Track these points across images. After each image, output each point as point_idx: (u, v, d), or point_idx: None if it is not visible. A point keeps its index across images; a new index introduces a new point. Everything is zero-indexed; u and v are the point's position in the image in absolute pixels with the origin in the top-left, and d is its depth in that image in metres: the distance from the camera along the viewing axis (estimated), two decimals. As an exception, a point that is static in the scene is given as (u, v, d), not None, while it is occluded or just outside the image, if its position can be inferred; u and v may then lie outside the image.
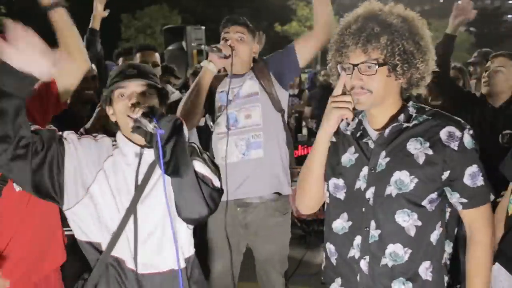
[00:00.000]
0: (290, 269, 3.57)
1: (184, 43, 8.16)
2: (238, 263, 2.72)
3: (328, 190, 1.73)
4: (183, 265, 1.74)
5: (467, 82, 3.90)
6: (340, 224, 1.69)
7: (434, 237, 1.60)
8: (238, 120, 2.57)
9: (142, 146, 1.71)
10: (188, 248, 1.82)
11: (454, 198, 1.59)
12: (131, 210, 1.69)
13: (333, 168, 1.71)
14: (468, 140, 1.56)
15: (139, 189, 1.70)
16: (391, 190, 1.58)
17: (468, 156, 1.56)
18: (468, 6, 2.87)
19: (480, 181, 1.57)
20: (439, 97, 3.38)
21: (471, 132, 1.58)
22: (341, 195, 1.69)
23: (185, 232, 1.79)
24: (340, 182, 1.69)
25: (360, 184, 1.64)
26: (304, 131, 8.41)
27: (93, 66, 2.81)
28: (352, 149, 1.68)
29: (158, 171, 1.69)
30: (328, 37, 2.52)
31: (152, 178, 1.71)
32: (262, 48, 2.75)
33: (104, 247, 1.73)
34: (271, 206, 2.66)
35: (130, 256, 1.71)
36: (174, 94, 3.60)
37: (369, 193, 1.62)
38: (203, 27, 8.68)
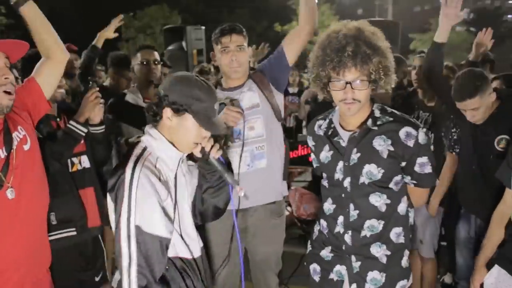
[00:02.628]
0: (290, 269, 3.57)
1: (184, 43, 8.16)
2: (240, 264, 2.74)
3: (321, 179, 2.17)
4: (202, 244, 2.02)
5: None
6: (327, 206, 2.13)
7: (401, 208, 2.04)
8: (241, 133, 2.59)
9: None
10: None
11: (407, 179, 2.04)
12: (175, 202, 1.85)
13: (320, 163, 2.14)
14: (422, 137, 1.94)
15: (176, 184, 1.87)
16: (364, 179, 1.98)
17: (420, 150, 1.95)
18: (459, 2, 2.65)
19: (428, 170, 1.99)
20: (434, 98, 3.39)
21: (424, 130, 1.96)
22: (325, 183, 2.15)
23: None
24: (325, 174, 2.14)
25: (338, 175, 2.04)
26: (304, 131, 8.42)
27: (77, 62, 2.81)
28: (326, 147, 2.08)
29: (183, 172, 1.92)
30: (313, 27, 2.55)
31: (179, 174, 1.89)
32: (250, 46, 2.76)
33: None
34: (269, 209, 2.70)
35: (186, 248, 1.89)
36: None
37: (346, 182, 2.02)
38: (203, 27, 8.68)
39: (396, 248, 2.04)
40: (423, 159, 1.98)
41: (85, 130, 2.59)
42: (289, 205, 5.09)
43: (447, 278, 3.93)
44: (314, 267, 2.19)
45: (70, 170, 2.67)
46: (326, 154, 2.09)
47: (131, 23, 29.67)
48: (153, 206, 1.70)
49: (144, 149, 1.80)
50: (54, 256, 2.19)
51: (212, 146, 1.83)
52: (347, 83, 1.86)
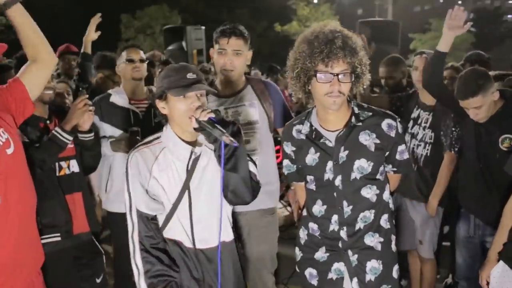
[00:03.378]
0: (290, 269, 3.57)
1: (184, 43, 8.16)
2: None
3: (306, 183, 2.21)
4: (232, 236, 2.14)
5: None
6: (317, 208, 2.16)
7: (385, 196, 2.16)
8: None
9: (192, 144, 2.00)
10: (231, 219, 2.17)
11: (388, 168, 2.18)
12: (184, 190, 2.00)
13: (304, 167, 2.16)
14: (400, 127, 2.10)
15: (189, 173, 2.01)
16: (355, 175, 2.07)
17: (400, 138, 2.12)
18: (462, 15, 2.71)
19: (406, 156, 2.16)
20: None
21: (399, 119, 2.12)
22: (312, 186, 2.17)
23: (229, 208, 2.16)
24: (311, 177, 2.16)
25: (328, 175, 2.09)
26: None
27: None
28: (312, 150, 2.11)
29: (203, 161, 2.02)
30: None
31: (199, 165, 2.01)
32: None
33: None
34: (262, 208, 2.70)
35: (186, 236, 2.04)
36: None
37: (338, 181, 2.08)
38: (203, 27, 8.68)
39: (386, 234, 2.15)
40: (402, 147, 2.14)
41: (70, 138, 2.56)
42: (289, 205, 5.08)
43: (450, 280, 3.92)
44: (310, 272, 2.20)
45: (57, 174, 2.64)
46: (312, 156, 2.11)
47: (131, 23, 29.67)
48: (135, 184, 1.98)
49: (157, 137, 2.05)
50: (45, 260, 2.17)
51: (201, 112, 1.89)
52: (334, 75, 1.91)
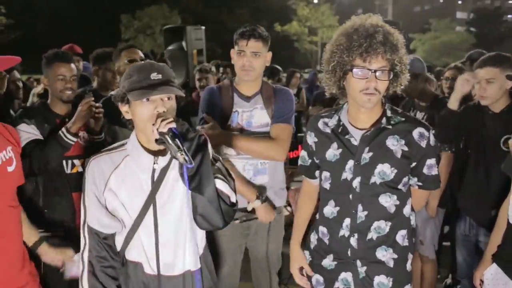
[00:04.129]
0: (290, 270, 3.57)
1: (184, 43, 8.16)
2: (240, 264, 2.77)
3: (321, 181, 2.05)
4: (199, 266, 1.83)
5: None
6: (329, 209, 2.02)
7: (406, 210, 1.99)
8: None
9: (156, 154, 1.72)
10: (201, 245, 1.88)
11: (413, 181, 2.00)
12: (148, 204, 1.73)
13: (323, 162, 2.02)
14: (432, 139, 1.94)
15: (156, 185, 1.73)
16: (375, 179, 1.92)
17: (430, 151, 1.94)
18: (472, 80, 2.74)
19: (434, 172, 1.98)
20: (428, 98, 3.40)
21: (433, 131, 1.96)
22: (327, 185, 2.02)
23: (200, 232, 1.86)
24: (327, 174, 2.01)
25: (347, 175, 1.95)
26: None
27: (72, 65, 2.78)
28: (335, 145, 1.98)
29: (173, 174, 1.73)
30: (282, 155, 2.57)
31: (168, 177, 1.73)
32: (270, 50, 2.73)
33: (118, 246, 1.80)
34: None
35: (148, 260, 1.77)
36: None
37: (356, 182, 1.93)
38: (203, 27, 8.67)
39: (402, 251, 1.99)
40: (432, 161, 1.96)
41: (74, 140, 2.56)
42: (289, 205, 5.09)
43: (449, 280, 3.92)
44: (317, 278, 2.10)
45: (69, 171, 2.66)
46: (334, 152, 1.99)
47: (131, 23, 29.73)
48: (90, 197, 1.74)
49: (123, 144, 1.79)
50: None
51: (161, 122, 1.61)
52: (372, 71, 1.80)
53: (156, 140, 1.62)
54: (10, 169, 1.93)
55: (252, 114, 2.60)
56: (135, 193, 1.72)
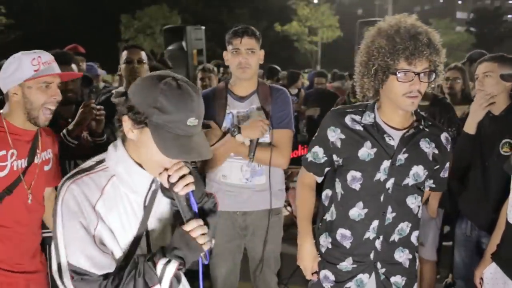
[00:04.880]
0: (290, 269, 3.57)
1: (184, 43, 8.15)
2: (239, 264, 2.78)
3: (345, 181, 1.95)
4: None
5: (466, 82, 3.90)
6: (356, 211, 1.94)
7: (419, 211, 2.01)
8: (252, 143, 2.54)
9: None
10: None
11: (428, 182, 2.02)
12: (140, 233, 1.49)
13: (352, 161, 1.92)
14: (451, 145, 2.00)
15: (147, 210, 1.50)
16: (409, 181, 1.90)
17: (450, 155, 2.02)
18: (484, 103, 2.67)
19: (446, 174, 2.05)
20: (428, 97, 3.40)
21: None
22: (356, 186, 1.93)
23: None
24: (358, 174, 1.92)
25: (380, 175, 1.89)
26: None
27: (74, 66, 2.78)
28: (368, 144, 1.90)
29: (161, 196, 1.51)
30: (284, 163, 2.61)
31: (158, 199, 1.51)
32: (263, 48, 2.74)
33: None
34: (268, 208, 2.70)
35: None
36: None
37: (389, 184, 1.89)
38: (203, 27, 8.67)
39: (414, 251, 2.03)
40: (448, 165, 2.02)
41: (75, 142, 2.57)
42: (289, 205, 5.09)
43: (449, 280, 3.92)
44: (326, 274, 2.03)
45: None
46: (368, 151, 1.89)
47: (131, 23, 29.72)
48: (75, 229, 1.36)
49: (100, 161, 1.47)
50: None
51: (180, 178, 1.38)
52: (416, 74, 1.75)
53: (162, 189, 1.44)
54: (46, 168, 2.17)
55: (248, 114, 2.58)
56: (127, 220, 1.45)
